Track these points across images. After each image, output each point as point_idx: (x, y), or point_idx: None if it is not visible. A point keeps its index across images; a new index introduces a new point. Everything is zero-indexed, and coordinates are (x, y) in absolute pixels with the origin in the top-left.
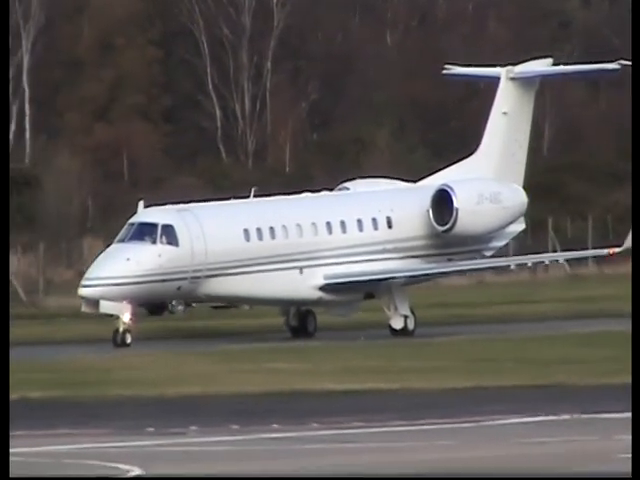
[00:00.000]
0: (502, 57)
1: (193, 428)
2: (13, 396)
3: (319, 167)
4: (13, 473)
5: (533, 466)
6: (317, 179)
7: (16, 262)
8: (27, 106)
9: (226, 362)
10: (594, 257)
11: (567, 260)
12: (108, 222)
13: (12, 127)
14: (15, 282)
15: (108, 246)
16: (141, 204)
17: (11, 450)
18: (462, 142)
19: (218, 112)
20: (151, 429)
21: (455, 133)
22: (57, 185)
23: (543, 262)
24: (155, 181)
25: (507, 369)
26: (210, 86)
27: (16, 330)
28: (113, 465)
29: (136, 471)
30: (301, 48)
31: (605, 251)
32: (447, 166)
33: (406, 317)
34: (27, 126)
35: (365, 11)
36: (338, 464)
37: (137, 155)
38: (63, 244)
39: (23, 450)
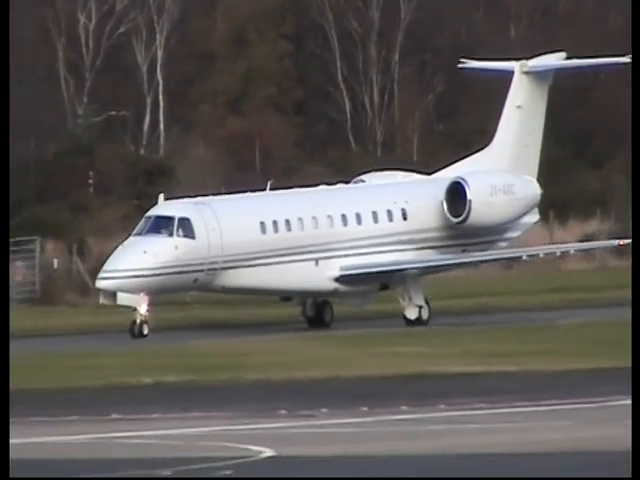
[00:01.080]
0: (621, 49)
1: (323, 410)
2: (148, 380)
3: (445, 157)
4: (148, 454)
5: None
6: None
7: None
8: (161, 98)
9: (353, 346)
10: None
11: None
12: None
13: (147, 119)
14: None
15: (126, 239)
16: (161, 197)
17: (145, 432)
18: (583, 131)
19: (348, 104)
20: (283, 411)
21: (576, 124)
22: (191, 175)
23: (555, 253)
24: (286, 171)
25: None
26: (340, 78)
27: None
28: (245, 447)
29: (268, 452)
30: (427, 41)
31: (616, 242)
32: (462, 158)
33: (420, 307)
34: (161, 118)
35: (489, 4)
36: (464, 444)
37: (269, 146)
38: None
39: (158, 433)
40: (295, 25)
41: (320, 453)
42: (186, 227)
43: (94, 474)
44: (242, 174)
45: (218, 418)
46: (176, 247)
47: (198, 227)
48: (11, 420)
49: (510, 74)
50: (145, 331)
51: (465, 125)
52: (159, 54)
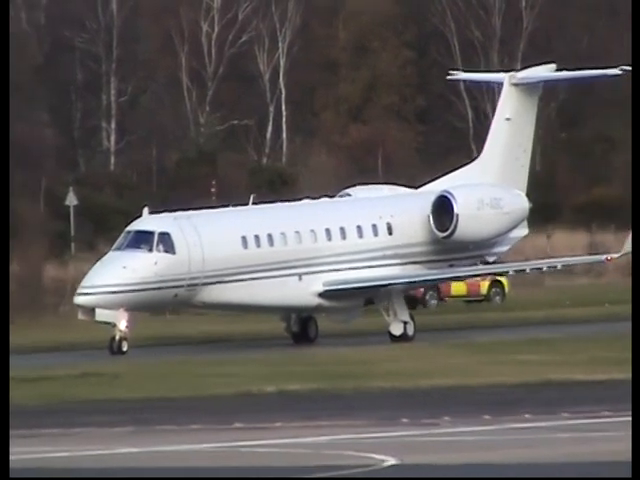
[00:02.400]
0: None
1: (446, 418)
2: (271, 389)
3: (568, 166)
4: (270, 463)
5: None
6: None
7: None
8: (284, 107)
9: (478, 354)
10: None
11: None
12: None
13: (269, 127)
14: None
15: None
16: (145, 210)
17: (268, 441)
18: None
19: (470, 112)
20: (405, 420)
21: None
22: (313, 183)
23: (541, 268)
24: (409, 178)
25: None
26: (462, 87)
27: (270, 324)
28: (368, 455)
29: (391, 461)
30: (548, 49)
31: (603, 257)
32: (450, 172)
33: (405, 323)
34: (284, 126)
35: (611, 12)
36: (586, 452)
37: (391, 153)
38: None
39: (281, 441)
40: (417, 33)
41: (443, 461)
42: (166, 242)
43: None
44: (364, 181)
45: (341, 426)
46: (156, 262)
47: (178, 242)
48: (137, 429)
49: (499, 86)
50: (124, 348)
51: (588, 133)
52: (281, 62)
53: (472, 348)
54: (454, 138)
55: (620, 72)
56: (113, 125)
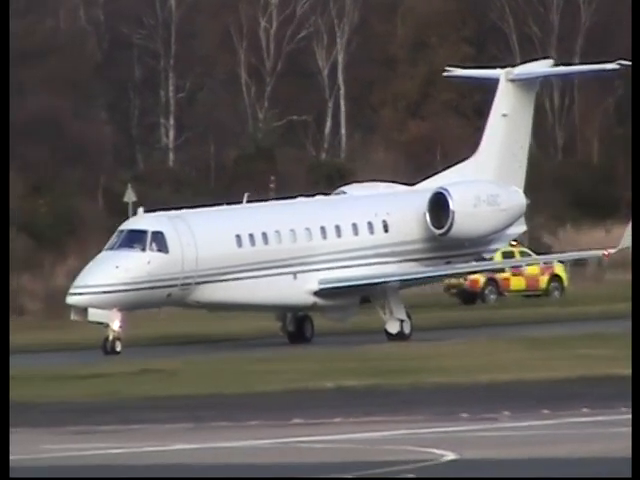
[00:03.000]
0: None
1: (505, 413)
2: (330, 385)
3: (625, 161)
4: (329, 459)
5: None
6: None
7: None
8: (342, 102)
9: (536, 349)
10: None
11: None
12: None
13: (328, 123)
14: None
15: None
16: (140, 210)
17: (327, 437)
18: None
19: None
20: (465, 415)
21: None
22: (371, 179)
23: (538, 263)
24: None
25: None
26: None
27: (329, 321)
28: (428, 450)
29: (450, 456)
30: (607, 44)
31: (600, 252)
32: (445, 169)
33: (402, 321)
34: (342, 122)
35: None
36: None
37: (449, 149)
38: None
39: (340, 437)
40: (475, 29)
41: (501, 456)
42: (159, 241)
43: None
44: (423, 177)
45: (400, 422)
46: (149, 262)
47: (172, 241)
48: (192, 426)
49: (495, 82)
50: (118, 348)
51: None
52: (340, 58)
53: (530, 343)
54: None
55: (618, 66)
56: (171, 122)
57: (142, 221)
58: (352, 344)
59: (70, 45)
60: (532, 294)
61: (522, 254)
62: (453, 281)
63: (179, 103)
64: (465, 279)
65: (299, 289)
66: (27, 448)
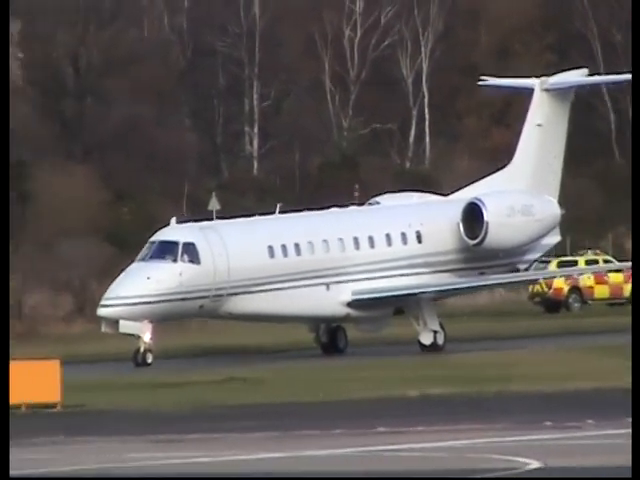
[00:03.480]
0: None
1: (589, 421)
2: (414, 393)
3: None
4: (413, 467)
5: None
6: None
7: None
8: (427, 110)
9: (621, 357)
10: None
11: None
12: None
13: (412, 131)
14: None
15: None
16: (173, 220)
17: (411, 445)
18: None
19: (612, 115)
20: (549, 423)
21: None
22: (456, 186)
23: (571, 275)
24: None
25: None
26: (604, 89)
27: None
28: (512, 459)
29: (534, 464)
30: None
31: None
32: (480, 179)
33: (435, 332)
34: (427, 130)
35: None
36: None
37: None
38: None
39: (423, 445)
40: (559, 36)
41: (585, 464)
42: (191, 252)
43: None
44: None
45: (485, 430)
46: (180, 273)
47: (203, 252)
48: (277, 434)
49: (531, 92)
50: (149, 360)
51: None
52: (424, 66)
53: (614, 351)
54: (596, 141)
55: None
56: (256, 130)
57: (173, 232)
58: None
59: (154, 53)
60: (616, 302)
61: (605, 262)
62: (537, 289)
63: (263, 111)
64: (549, 287)
65: (332, 300)
66: (112, 457)
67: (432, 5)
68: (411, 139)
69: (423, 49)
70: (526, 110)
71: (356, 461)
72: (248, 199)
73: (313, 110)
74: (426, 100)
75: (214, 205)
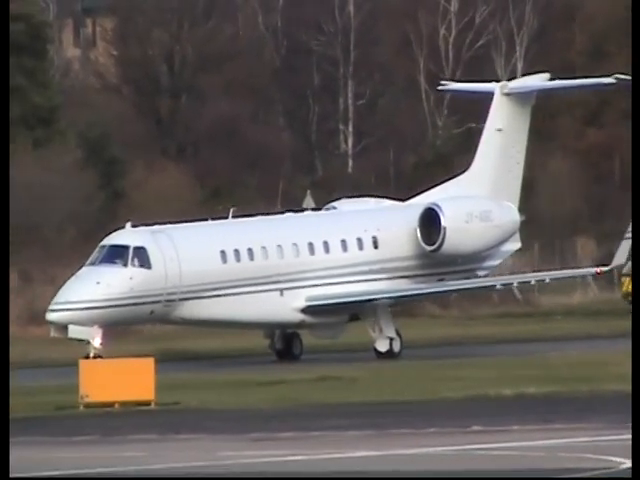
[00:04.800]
0: None
1: None
2: (508, 392)
3: None
4: (507, 466)
5: None
6: None
7: (510, 261)
8: None
9: None
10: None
11: None
12: (600, 222)
13: None
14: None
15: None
16: (128, 224)
17: (506, 444)
18: None
19: None
20: None
21: None
22: (550, 187)
23: (529, 282)
24: None
25: None
26: None
27: (510, 328)
28: (606, 458)
29: (628, 463)
30: None
31: (593, 270)
32: (438, 184)
33: (392, 339)
34: None
35: None
36: None
37: (628, 157)
38: (556, 244)
39: (518, 444)
40: None
41: None
42: (142, 256)
43: None
44: (601, 185)
45: (579, 429)
46: (131, 277)
47: (154, 256)
48: (372, 433)
49: (490, 96)
50: None
51: None
52: (519, 66)
53: None
54: None
55: (614, 81)
56: (350, 128)
57: (124, 236)
58: (524, 353)
59: (248, 51)
60: None
61: None
62: (630, 289)
63: (358, 110)
64: None
65: (286, 306)
66: (205, 455)
67: (527, 4)
68: None
69: (518, 48)
70: (620, 110)
71: (450, 460)
72: (342, 196)
73: (408, 109)
74: None
75: (309, 203)
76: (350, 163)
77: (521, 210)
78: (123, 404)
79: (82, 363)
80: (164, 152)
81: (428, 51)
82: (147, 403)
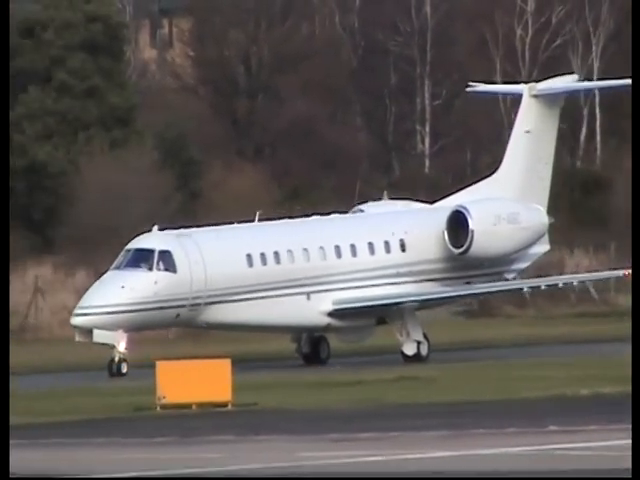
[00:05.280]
0: None
1: None
2: (585, 391)
3: None
4: (585, 466)
5: None
6: None
7: (587, 261)
8: (597, 110)
9: None
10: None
11: None
12: None
13: (583, 131)
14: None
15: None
16: (155, 228)
17: (583, 444)
18: None
19: None
20: None
21: None
22: (627, 187)
23: (557, 284)
24: None
25: None
26: None
27: (587, 327)
28: None
29: None
30: None
31: (621, 272)
32: (467, 186)
33: (419, 343)
34: (597, 129)
35: None
36: None
37: None
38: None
39: (596, 444)
40: None
41: None
42: (167, 260)
43: None
44: None
45: None
46: (156, 281)
47: (180, 260)
48: (450, 433)
49: (519, 98)
50: (124, 369)
51: None
52: (595, 66)
53: None
54: None
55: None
56: (427, 128)
57: (149, 240)
58: (601, 353)
59: (325, 52)
60: None
61: None
62: None
63: (434, 110)
64: None
65: (312, 310)
66: (284, 456)
67: (603, 4)
68: (582, 138)
69: (594, 48)
70: None
71: (528, 460)
72: (419, 197)
73: (484, 109)
74: (597, 99)
75: None
76: (427, 163)
77: (549, 212)
78: (200, 405)
79: (159, 364)
80: (240, 153)
81: (504, 51)
82: (224, 404)
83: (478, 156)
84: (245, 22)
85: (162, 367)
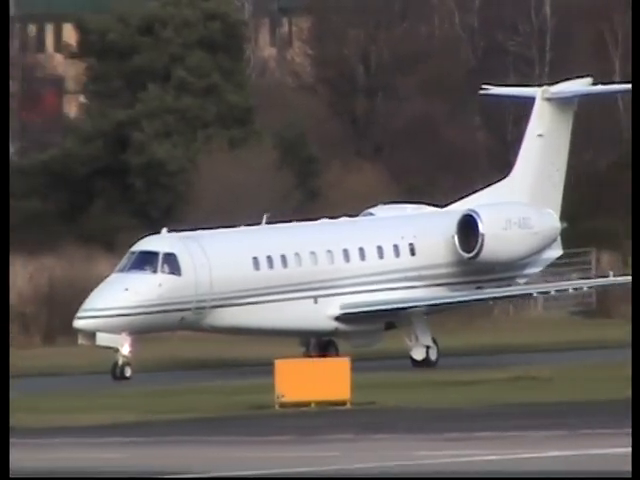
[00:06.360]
0: None
1: None
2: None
3: None
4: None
5: None
6: None
7: None
8: None
9: None
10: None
11: None
12: None
13: None
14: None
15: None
16: (164, 230)
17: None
18: None
19: None
20: None
21: None
22: None
23: (567, 289)
24: None
25: None
26: None
27: None
28: None
29: None
30: None
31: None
32: (478, 190)
33: (428, 348)
34: None
35: None
36: None
37: None
38: None
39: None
40: None
41: None
42: (171, 263)
43: None
44: None
45: None
46: (160, 284)
47: (184, 263)
48: (565, 433)
49: (532, 101)
50: (127, 373)
51: None
52: None
53: None
54: None
55: None
56: None
57: (154, 242)
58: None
59: (444, 51)
60: None
61: None
62: None
63: None
64: None
65: (320, 314)
66: (401, 454)
67: None
68: None
69: None
70: None
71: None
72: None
73: (603, 109)
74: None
75: None
76: None
77: (561, 218)
78: (318, 404)
79: (278, 363)
80: (359, 151)
81: (623, 51)
82: (342, 403)
83: (597, 156)
84: (364, 21)
85: (281, 366)
